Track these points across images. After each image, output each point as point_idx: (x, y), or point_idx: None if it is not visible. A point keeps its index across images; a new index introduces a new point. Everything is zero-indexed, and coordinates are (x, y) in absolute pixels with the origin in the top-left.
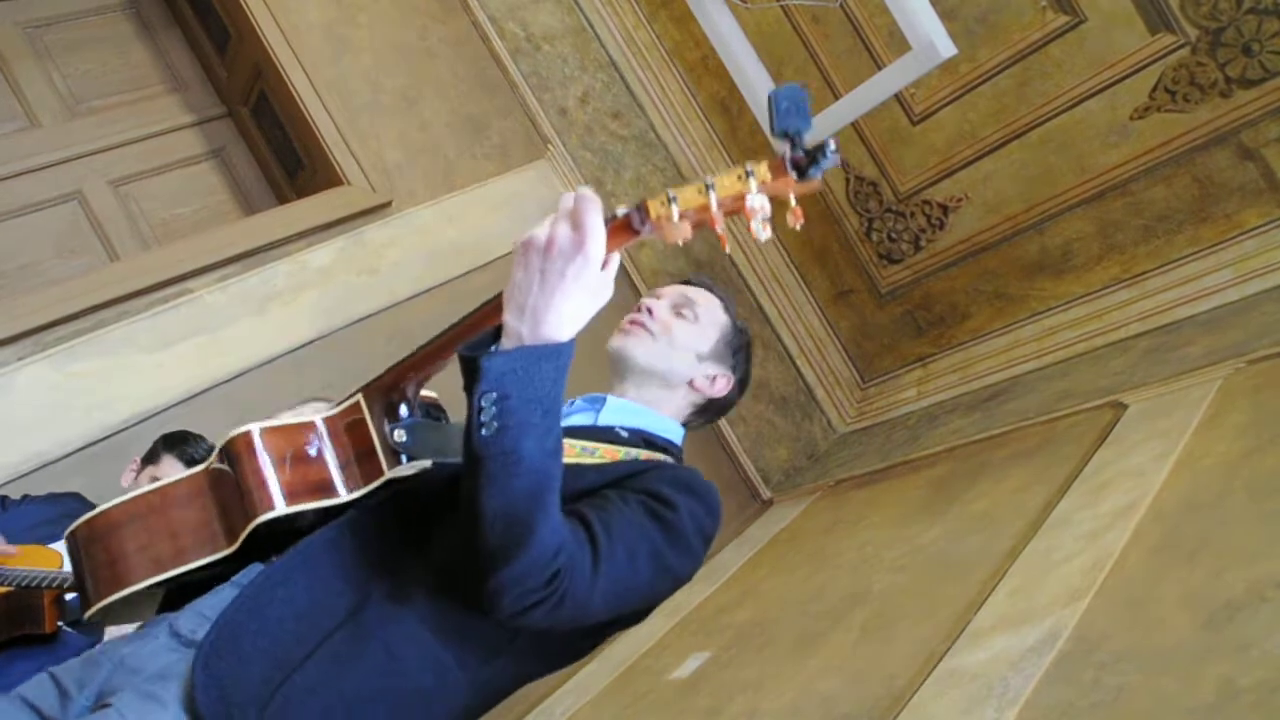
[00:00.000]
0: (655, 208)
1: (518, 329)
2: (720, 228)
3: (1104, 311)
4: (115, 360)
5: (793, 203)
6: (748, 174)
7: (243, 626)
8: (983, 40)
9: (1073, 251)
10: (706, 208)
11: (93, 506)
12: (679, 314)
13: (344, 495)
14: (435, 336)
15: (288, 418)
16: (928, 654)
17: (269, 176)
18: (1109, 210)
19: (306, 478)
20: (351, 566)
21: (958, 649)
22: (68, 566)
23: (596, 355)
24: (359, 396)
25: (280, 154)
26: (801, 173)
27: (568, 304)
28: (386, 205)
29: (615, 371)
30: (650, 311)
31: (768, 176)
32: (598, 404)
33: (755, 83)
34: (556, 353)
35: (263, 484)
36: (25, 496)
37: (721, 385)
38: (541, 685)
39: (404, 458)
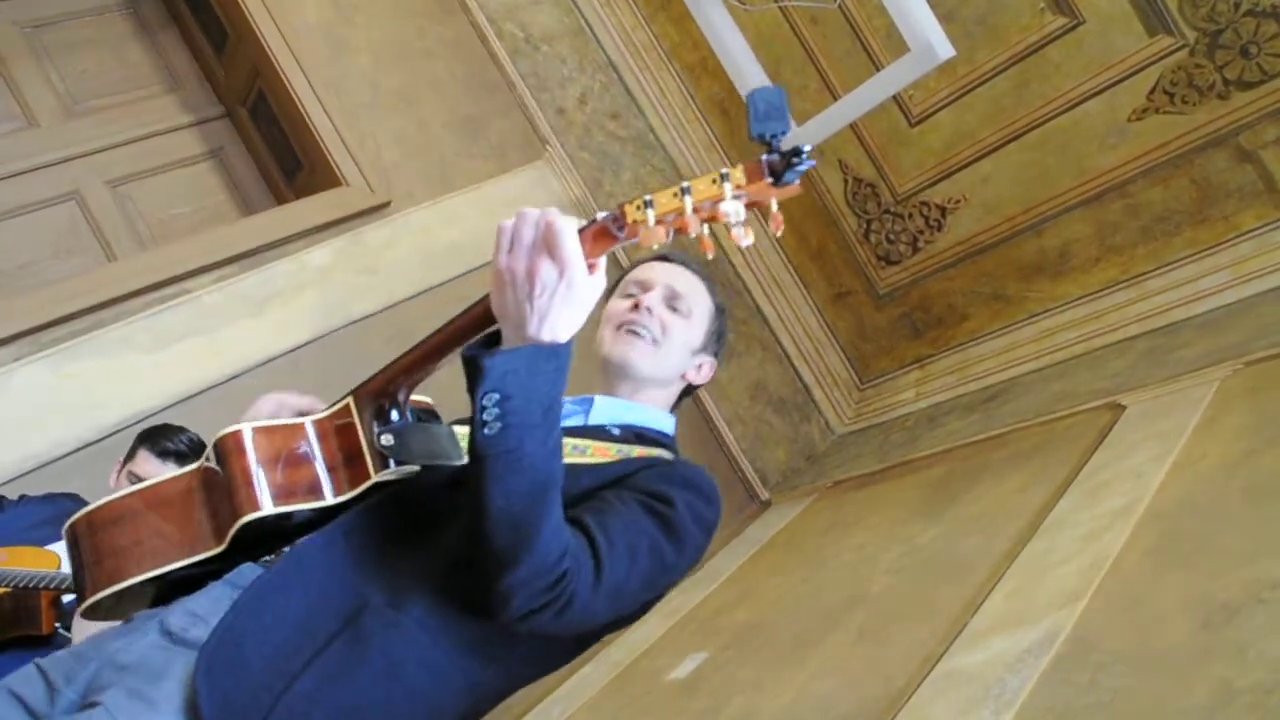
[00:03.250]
0: (631, 213)
1: (516, 340)
2: (695, 232)
3: (1102, 313)
4: (112, 361)
5: (774, 208)
6: (723, 177)
7: (243, 635)
8: (981, 42)
9: (1071, 253)
10: (682, 212)
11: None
12: (673, 309)
13: (330, 499)
14: (424, 339)
15: (267, 414)
16: (925, 655)
17: (267, 177)
18: (1107, 212)
19: (294, 479)
20: (347, 573)
21: (955, 650)
22: (65, 568)
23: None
24: (349, 400)
25: (278, 154)
26: (777, 177)
27: (562, 319)
28: (385, 206)
29: (611, 375)
30: (649, 310)
31: (743, 180)
32: (586, 404)
33: (753, 84)
34: (556, 353)
35: (250, 484)
36: (22, 497)
37: (707, 372)
38: (538, 687)
39: (391, 462)
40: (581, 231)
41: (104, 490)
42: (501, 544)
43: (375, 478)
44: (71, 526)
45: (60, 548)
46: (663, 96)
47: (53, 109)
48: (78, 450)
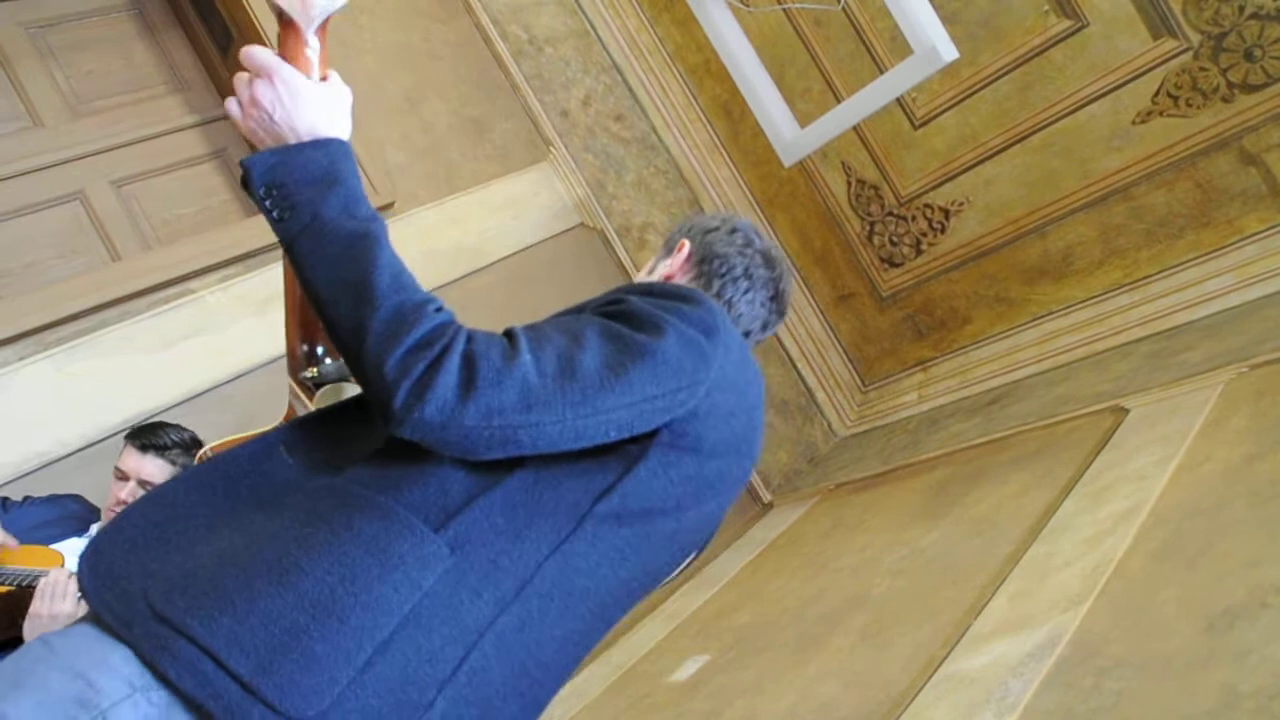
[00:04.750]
0: None
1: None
2: None
3: (1105, 316)
4: (116, 360)
5: None
6: None
7: (141, 513)
8: (985, 44)
9: (1074, 256)
10: None
11: (93, 507)
12: None
13: None
14: (284, 283)
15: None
16: (927, 658)
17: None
18: (1110, 215)
19: None
20: (278, 465)
21: (957, 654)
22: (69, 566)
23: None
24: (289, 383)
25: None
26: None
27: (307, 119)
28: (389, 206)
29: None
30: None
31: None
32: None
33: (757, 86)
34: (322, 141)
35: None
36: (27, 498)
37: (682, 252)
38: None
39: (319, 389)
40: (280, 50)
41: (107, 490)
42: (345, 316)
43: (314, 404)
44: None
45: (64, 546)
46: (666, 98)
47: (58, 109)
48: (82, 449)
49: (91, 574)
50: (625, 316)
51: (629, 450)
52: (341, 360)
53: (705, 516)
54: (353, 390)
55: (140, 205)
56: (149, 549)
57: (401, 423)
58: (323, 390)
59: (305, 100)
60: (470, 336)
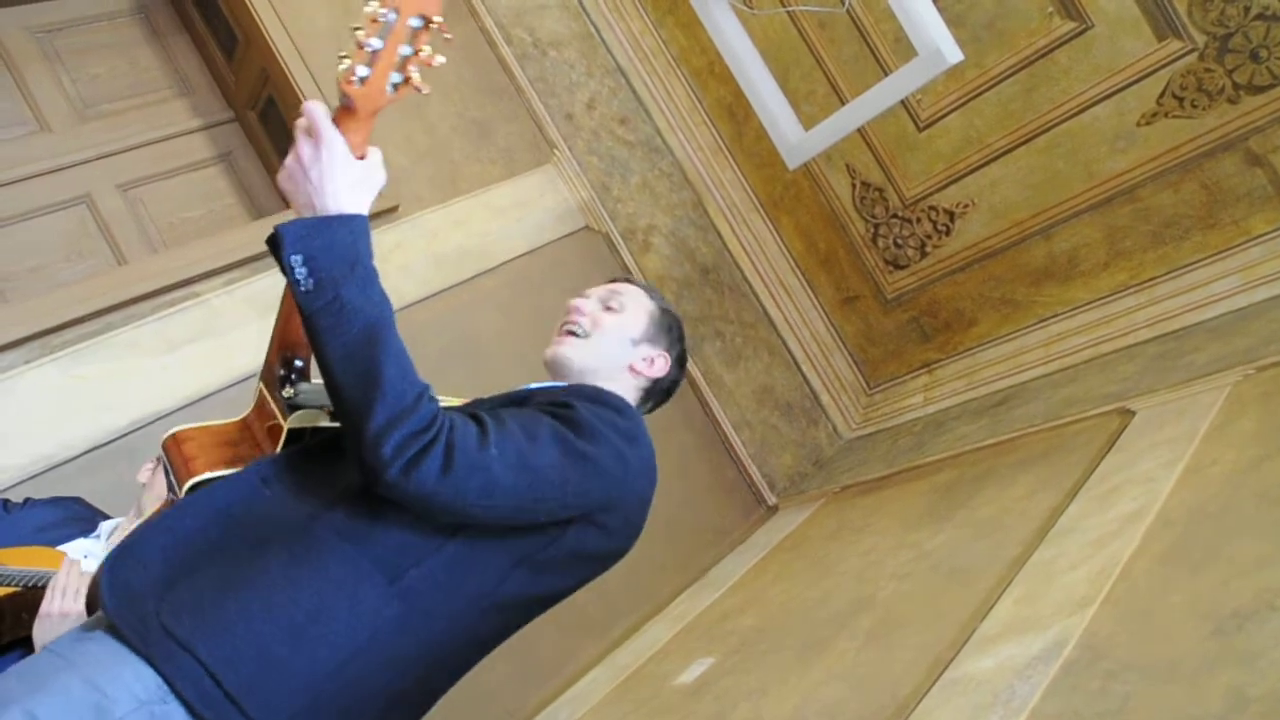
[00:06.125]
0: (341, 81)
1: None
2: (397, 66)
3: (1111, 318)
4: (122, 363)
5: (437, 20)
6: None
7: (149, 540)
8: (989, 46)
9: (1080, 258)
10: (363, 50)
11: (95, 510)
12: (607, 308)
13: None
14: (280, 304)
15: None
16: (932, 661)
17: (276, 181)
18: (1116, 216)
19: (224, 455)
20: (256, 501)
21: (963, 656)
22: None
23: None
24: (259, 386)
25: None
26: None
27: (337, 188)
28: (393, 209)
29: (554, 377)
30: (579, 310)
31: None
32: (521, 393)
33: (761, 89)
34: (348, 219)
35: (186, 464)
36: (28, 500)
37: (660, 365)
38: (541, 692)
39: (296, 412)
40: (333, 119)
41: (114, 492)
42: (353, 392)
43: (287, 425)
44: None
45: (70, 548)
46: (670, 101)
47: (64, 113)
48: (87, 452)
49: (110, 593)
50: (572, 423)
51: (549, 529)
52: (315, 386)
53: (590, 577)
54: (321, 418)
55: (146, 209)
56: (159, 574)
57: (390, 488)
58: (298, 414)
59: (340, 170)
60: (452, 426)
